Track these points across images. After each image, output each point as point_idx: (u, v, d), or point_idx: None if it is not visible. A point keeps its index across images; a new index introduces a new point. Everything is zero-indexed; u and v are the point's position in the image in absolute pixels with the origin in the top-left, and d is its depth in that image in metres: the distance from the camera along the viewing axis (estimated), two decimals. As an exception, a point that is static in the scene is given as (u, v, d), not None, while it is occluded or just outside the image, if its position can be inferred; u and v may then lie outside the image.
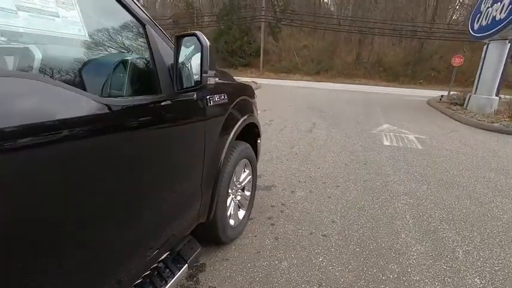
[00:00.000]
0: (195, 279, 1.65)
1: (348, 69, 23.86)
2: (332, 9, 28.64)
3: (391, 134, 5.50)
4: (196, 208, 1.42)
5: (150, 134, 1.06)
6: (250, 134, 2.20)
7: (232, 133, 1.67)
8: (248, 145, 2.05)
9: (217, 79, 1.63)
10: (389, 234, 2.19)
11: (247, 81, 14.60)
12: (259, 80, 16.83)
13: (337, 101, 10.33)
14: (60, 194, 0.74)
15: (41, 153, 0.68)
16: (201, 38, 1.14)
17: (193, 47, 1.18)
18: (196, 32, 1.15)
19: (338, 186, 3.01)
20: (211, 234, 1.76)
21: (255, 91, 9.74)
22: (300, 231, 2.17)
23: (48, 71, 0.89)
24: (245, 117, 1.89)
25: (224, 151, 1.59)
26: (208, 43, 1.15)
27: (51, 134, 0.69)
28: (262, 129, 5.20)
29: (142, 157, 1.03)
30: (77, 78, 0.92)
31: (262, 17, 24.36)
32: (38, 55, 0.82)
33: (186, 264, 1.30)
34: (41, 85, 0.71)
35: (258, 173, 3.19)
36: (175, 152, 1.20)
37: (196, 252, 1.39)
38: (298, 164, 3.60)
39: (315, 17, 25.02)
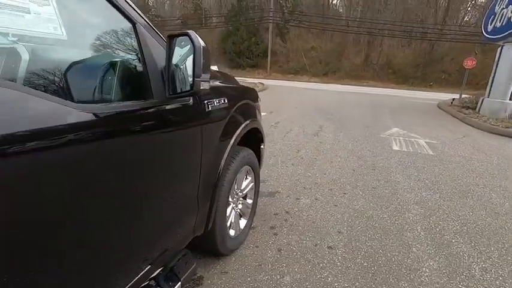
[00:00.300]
0: (191, 294, 1.56)
1: (356, 70, 23.60)
2: (341, 10, 28.40)
3: (401, 138, 5.33)
4: (192, 221, 1.33)
5: (140, 143, 0.97)
6: (253, 139, 2.10)
7: (233, 139, 1.57)
8: (250, 151, 1.95)
9: (217, 82, 1.54)
10: (400, 247, 2.06)
11: (254, 82, 14.53)
12: (266, 81, 16.74)
13: (345, 103, 10.16)
14: (33, 210, 0.66)
15: (16, 166, 0.61)
16: (194, 38, 1.02)
17: (188, 47, 1.08)
18: (188, 31, 1.04)
19: (345, 193, 2.88)
20: (209, 246, 1.67)
21: (262, 92, 9.69)
22: (304, 242, 2.06)
23: (16, 75, 0.80)
24: (247, 122, 1.79)
25: (224, 159, 1.49)
26: (201, 44, 1.03)
27: (26, 146, 0.62)
28: (267, 131, 5.13)
29: (131, 168, 0.94)
30: (54, 83, 0.83)
31: (270, 18, 24.28)
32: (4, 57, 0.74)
33: (180, 282, 1.20)
34: (8, 92, 0.62)
35: (261, 178, 3.09)
36: (169, 162, 1.11)
37: (191, 269, 1.30)
38: (304, 169, 3.48)
39: (323, 18, 24.83)
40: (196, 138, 1.23)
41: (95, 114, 0.81)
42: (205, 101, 1.29)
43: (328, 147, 4.47)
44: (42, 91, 0.76)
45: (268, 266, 1.81)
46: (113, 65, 0.99)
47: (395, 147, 4.68)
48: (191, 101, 1.20)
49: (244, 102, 1.82)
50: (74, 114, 0.75)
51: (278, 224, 2.27)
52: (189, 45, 1.06)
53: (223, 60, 25.74)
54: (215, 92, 1.41)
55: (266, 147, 4.25)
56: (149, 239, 1.08)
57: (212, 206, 1.47)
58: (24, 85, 0.74)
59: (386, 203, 2.73)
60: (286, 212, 2.46)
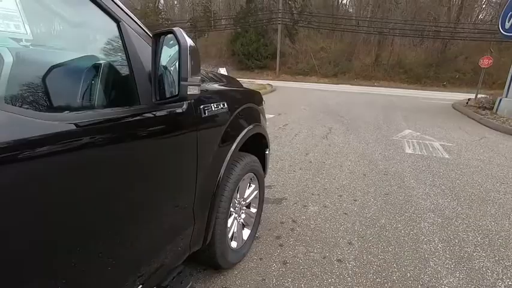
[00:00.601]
0: (189, 312, 1.45)
1: (367, 71, 23.23)
2: (351, 10, 28.05)
3: (414, 140, 5.13)
4: (187, 236, 1.22)
5: (126, 154, 0.88)
6: (257, 145, 1.99)
7: (234, 146, 1.46)
8: (254, 157, 1.83)
9: (216, 85, 1.43)
10: (416, 261, 1.90)
11: (262, 84, 14.43)
12: (275, 83, 16.62)
13: (355, 104, 9.94)
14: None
15: None
16: (180, 36, 0.90)
17: (171, 47, 0.97)
18: (174, 28, 0.92)
19: (355, 200, 2.73)
20: (208, 260, 1.56)
21: (270, 94, 9.65)
22: (312, 254, 1.93)
23: None
24: (250, 127, 1.68)
25: (224, 167, 1.39)
26: (189, 43, 0.90)
27: None
28: (275, 134, 5.03)
29: (116, 182, 0.85)
30: (25, 91, 0.74)
31: (279, 19, 24.17)
32: None
33: (173, 305, 1.10)
34: None
35: (268, 184, 2.98)
36: (160, 174, 1.01)
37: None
38: (312, 174, 3.34)
39: (333, 18, 24.56)
40: (191, 147, 1.13)
41: (75, 124, 0.72)
42: (201, 106, 1.18)
43: (338, 151, 4.31)
44: (11, 102, 0.67)
45: (273, 280, 1.69)
46: (94, 68, 0.89)
47: (409, 151, 4.49)
48: (184, 106, 1.09)
49: (247, 106, 1.71)
50: (51, 125, 0.67)
51: (284, 234, 2.14)
52: (171, 45, 0.94)
53: (232, 62, 25.77)
54: (213, 96, 1.31)
55: (273, 151, 4.14)
56: (138, 258, 0.98)
57: (210, 218, 1.36)
58: None
59: (400, 211, 2.57)
60: (293, 221, 2.33)
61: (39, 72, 0.78)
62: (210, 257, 1.53)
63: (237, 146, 1.48)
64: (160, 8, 32.21)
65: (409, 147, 4.66)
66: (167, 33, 0.92)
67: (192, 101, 1.13)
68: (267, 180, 3.08)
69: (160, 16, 30.60)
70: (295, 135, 5.11)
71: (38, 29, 0.78)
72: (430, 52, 22.93)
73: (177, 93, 0.91)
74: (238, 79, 2.31)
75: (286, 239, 2.09)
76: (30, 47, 0.85)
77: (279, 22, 24.06)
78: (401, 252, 1.99)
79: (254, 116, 1.79)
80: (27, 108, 0.71)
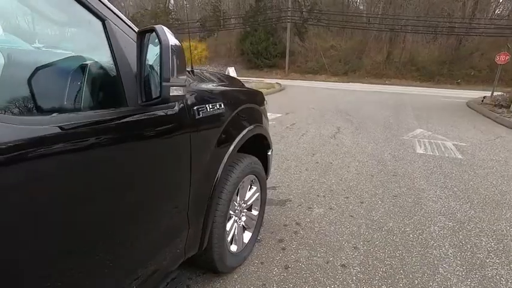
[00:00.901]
0: (186, 317, 1.42)
1: (378, 69, 22.80)
2: (361, 7, 27.59)
3: (425, 140, 4.97)
4: (182, 241, 1.19)
5: (113, 158, 0.85)
6: (259, 146, 1.94)
7: (231, 147, 1.42)
8: (255, 159, 1.79)
9: (211, 85, 1.39)
10: (424, 267, 1.82)
11: (271, 83, 14.35)
12: (284, 82, 16.51)
13: (365, 103, 9.76)
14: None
15: None
16: (161, 34, 0.84)
17: (154, 46, 0.91)
18: (156, 26, 0.86)
19: (362, 202, 2.65)
20: (206, 265, 1.53)
21: (278, 93, 9.57)
22: (315, 258, 1.88)
23: None
24: (250, 127, 1.63)
25: (220, 170, 1.35)
26: (172, 41, 0.85)
27: None
28: (282, 133, 4.97)
29: (104, 187, 0.82)
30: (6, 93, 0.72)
31: (288, 17, 23.99)
32: None
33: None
34: None
35: (272, 185, 2.93)
36: (149, 179, 0.97)
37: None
38: (318, 175, 3.27)
39: (343, 16, 24.22)
40: (183, 150, 1.09)
41: (60, 127, 0.70)
42: (195, 108, 1.14)
43: (346, 151, 4.22)
44: None
45: (273, 286, 1.64)
46: (79, 69, 0.86)
47: (420, 151, 4.35)
48: (176, 108, 1.05)
49: (247, 106, 1.67)
50: (35, 129, 0.65)
51: (287, 237, 2.09)
52: (154, 43, 0.89)
53: (242, 61, 25.73)
54: (208, 96, 1.27)
55: (279, 151, 4.08)
56: (130, 262, 0.95)
57: (207, 222, 1.32)
58: None
59: (409, 213, 2.48)
60: (297, 224, 2.27)
61: (23, 74, 0.76)
62: (208, 262, 1.50)
63: (235, 147, 1.44)
64: (171, 8, 32.46)
65: (420, 147, 4.53)
66: (149, 31, 0.88)
67: (186, 102, 1.09)
68: (272, 181, 3.03)
69: (170, 16, 30.83)
70: (302, 135, 5.04)
71: (19, 28, 0.76)
72: (443, 49, 22.31)
73: (159, 94, 0.86)
74: (247, 78, 2.28)
75: (289, 242, 2.04)
76: (13, 48, 0.83)
77: (289, 20, 23.87)
78: (409, 258, 1.91)
79: (254, 116, 1.75)
80: (10, 112, 0.69)
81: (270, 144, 2.04)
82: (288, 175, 3.24)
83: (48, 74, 0.81)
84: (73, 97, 0.82)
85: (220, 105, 1.32)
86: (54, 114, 0.74)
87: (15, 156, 0.61)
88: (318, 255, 1.91)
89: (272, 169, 3.32)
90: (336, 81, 20.22)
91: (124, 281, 0.94)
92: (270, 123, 5.84)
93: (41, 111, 0.75)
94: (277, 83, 14.76)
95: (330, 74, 22.90)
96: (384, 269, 1.80)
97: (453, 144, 4.75)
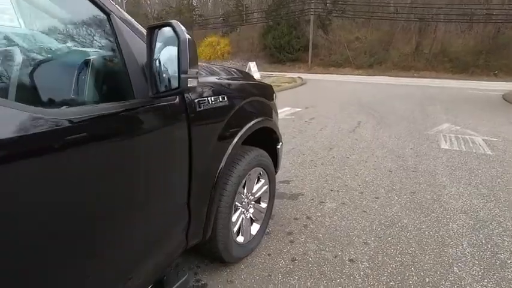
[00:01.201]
0: (192, 303, 1.48)
1: (406, 60, 21.80)
2: (389, -4, 26.35)
3: (452, 135, 4.72)
4: (184, 228, 1.23)
5: (120, 149, 0.89)
6: (268, 139, 1.95)
7: (235, 139, 1.44)
8: (263, 152, 1.80)
9: (215, 78, 1.42)
10: (437, 265, 1.76)
11: (292, 77, 14.21)
12: (306, 75, 16.27)
13: (390, 96, 9.40)
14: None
15: None
16: (178, 30, 0.91)
17: (171, 40, 0.96)
18: (172, 21, 0.93)
19: (377, 198, 2.59)
20: (211, 254, 1.57)
21: (300, 87, 9.46)
22: (323, 252, 1.87)
23: None
24: (256, 120, 1.65)
25: (223, 161, 1.37)
26: (187, 36, 0.91)
27: None
28: (300, 128, 4.95)
29: (110, 177, 0.87)
30: (19, 86, 0.78)
31: (312, 9, 23.49)
32: None
33: (166, 296, 1.12)
34: None
35: (285, 179, 2.94)
36: (150, 170, 1.01)
37: (181, 280, 1.21)
38: (334, 170, 3.22)
39: (369, 7, 23.32)
40: (184, 141, 1.12)
41: (68, 120, 0.74)
42: (196, 100, 1.17)
43: (364, 146, 4.11)
44: (4, 97, 0.71)
45: (279, 277, 1.66)
46: (85, 62, 0.92)
47: (445, 146, 4.15)
48: (177, 100, 1.09)
49: (254, 99, 1.68)
50: (44, 121, 0.68)
51: (296, 230, 2.10)
52: (173, 38, 0.94)
53: (264, 55, 25.64)
54: (211, 89, 1.30)
55: (295, 145, 4.06)
56: (131, 253, 1.00)
57: (210, 212, 1.36)
58: None
59: (427, 211, 2.38)
60: (307, 217, 2.27)
61: (33, 68, 0.82)
62: (213, 251, 1.54)
63: (239, 139, 1.46)
64: (194, 4, 32.90)
65: (446, 142, 4.31)
66: (162, 26, 0.93)
67: (188, 94, 1.13)
68: (285, 175, 3.03)
69: (193, 13, 31.29)
70: (321, 129, 4.97)
71: (30, 23, 0.82)
72: (479, 38, 20.84)
73: (178, 85, 0.92)
74: (268, 73, 2.29)
75: (297, 235, 2.04)
76: (27, 44, 0.90)
77: (312, 13, 23.38)
78: (422, 255, 1.84)
79: (261, 109, 1.76)
80: (27, 104, 0.75)
81: (279, 138, 2.04)
82: (302, 169, 3.23)
83: (60, 69, 0.88)
84: (86, 90, 0.88)
85: (223, 98, 1.34)
86: (71, 107, 0.80)
87: (38, 146, 0.66)
88: (327, 249, 1.90)
89: (287, 163, 3.33)
90: (361, 75, 19.60)
91: (126, 266, 1.00)
92: (289, 117, 5.85)
93: (60, 103, 0.81)
94: (298, 77, 14.58)
95: (355, 67, 22.23)
96: (393, 266, 1.75)
97: (483, 140, 4.47)
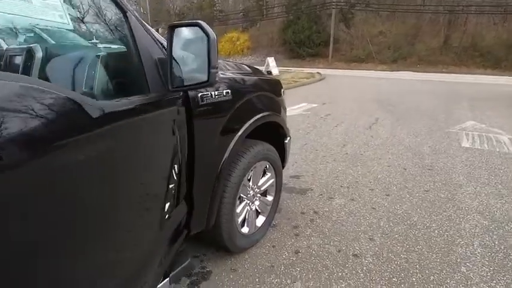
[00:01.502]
0: (196, 287, 1.55)
1: (433, 55, 20.84)
2: (416, -13, 25.21)
3: (475, 133, 4.52)
4: (184, 217, 1.30)
5: (137, 139, 0.96)
6: (275, 134, 1.99)
7: (239, 133, 1.49)
8: (269, 146, 1.84)
9: (221, 73, 1.47)
10: (444, 264, 1.73)
11: (311, 72, 14.02)
12: (326, 71, 16.00)
13: (413, 92, 9.07)
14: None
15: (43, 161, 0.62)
16: (207, 29, 1.01)
17: (192, 38, 1.06)
18: (199, 21, 1.03)
19: (388, 195, 2.56)
20: (216, 242, 1.64)
21: (318, 83, 9.36)
22: (327, 246, 1.89)
23: (33, 72, 0.87)
24: (262, 114, 1.68)
25: (227, 153, 1.43)
26: (214, 34, 1.02)
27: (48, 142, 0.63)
28: (314, 124, 4.93)
29: (127, 165, 0.93)
30: (68, 77, 0.88)
31: (334, 3, 22.97)
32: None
33: (168, 278, 1.19)
34: (35, 88, 0.63)
35: (296, 174, 2.96)
36: (156, 160, 1.08)
37: (182, 266, 1.28)
38: (346, 166, 3.20)
39: (394, -1, 22.46)
40: (188, 133, 1.19)
41: (101, 110, 0.78)
42: (199, 95, 1.23)
43: (380, 143, 4.03)
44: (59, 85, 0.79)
45: (281, 268, 1.70)
46: (109, 57, 1.01)
47: (466, 144, 3.99)
48: (181, 94, 1.15)
49: (260, 94, 1.72)
50: (98, 110, 0.75)
51: (302, 224, 2.13)
52: (199, 36, 1.04)
53: (284, 50, 25.43)
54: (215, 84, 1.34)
55: (308, 141, 4.05)
56: (138, 239, 1.06)
57: (213, 202, 1.42)
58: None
59: (439, 209, 2.33)
60: (314, 212, 2.29)
61: (76, 61, 0.92)
62: (217, 240, 1.61)
63: (243, 133, 1.51)
64: (215, 0, 33.11)
65: (467, 141, 4.14)
66: (189, 25, 1.03)
67: (187, 90, 1.18)
68: (296, 170, 3.06)
69: (214, 8, 31.50)
70: (336, 126, 4.91)
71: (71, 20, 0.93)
72: (515, 30, 19.54)
73: (207, 79, 1.04)
74: (286, 68, 2.32)
75: (303, 229, 2.07)
76: (70, 36, 1.00)
77: (334, 7, 22.86)
78: (429, 254, 1.82)
79: (268, 104, 1.79)
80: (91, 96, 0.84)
81: (286, 133, 2.07)
82: (313, 165, 3.23)
83: (97, 65, 0.97)
84: (115, 83, 0.98)
85: (227, 93, 1.39)
86: (104, 100, 0.89)
87: (96, 132, 0.75)
88: (331, 243, 1.92)
89: (298, 158, 3.35)
90: (384, 70, 19.01)
91: (140, 248, 1.05)
92: (304, 113, 5.84)
93: (105, 96, 0.91)
94: (317, 72, 14.37)
95: (377, 62, 21.56)
96: (398, 262, 1.75)
97: (509, 139, 4.25)
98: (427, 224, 2.13)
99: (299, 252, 1.84)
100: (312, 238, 1.97)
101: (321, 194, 2.57)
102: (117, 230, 0.90)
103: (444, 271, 1.68)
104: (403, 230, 2.06)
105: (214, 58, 1.02)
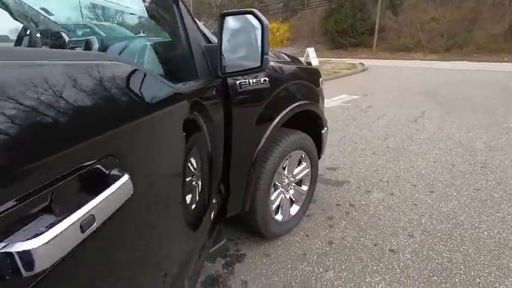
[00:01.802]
0: (230, 268, 1.63)
1: (495, 42, 18.70)
2: (477, -33, 22.66)
3: (542, 129, 4.02)
4: (221, 200, 1.36)
5: (196, 121, 1.04)
6: (312, 124, 1.97)
7: (275, 121, 1.50)
8: (305, 135, 1.84)
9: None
10: (493, 267, 1.60)
11: (353, 63, 13.44)
12: (369, 61, 15.24)
13: (467, 83, 8.27)
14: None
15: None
16: (260, 16, 1.07)
17: (244, 26, 1.10)
18: (253, 9, 1.08)
19: (432, 192, 2.41)
20: (251, 227, 1.69)
21: (360, 74, 9.01)
22: (362, 239, 1.85)
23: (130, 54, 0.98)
24: (299, 103, 1.68)
25: (263, 141, 1.45)
26: (267, 22, 1.07)
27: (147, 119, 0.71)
28: (354, 116, 4.79)
29: (192, 142, 1.01)
30: (156, 65, 0.99)
31: (380, -12, 21.57)
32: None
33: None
34: (138, 71, 0.72)
35: (332, 165, 2.91)
36: (210, 140, 1.14)
37: (218, 246, 1.34)
38: (386, 160, 3.07)
39: (450, -19, 20.45)
40: (225, 120, 1.23)
41: (185, 93, 0.92)
42: (237, 82, 1.27)
43: (426, 137, 3.78)
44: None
45: (313, 257, 1.71)
46: (161, 46, 1.10)
47: (528, 141, 3.57)
48: (221, 81, 1.20)
49: (297, 82, 1.71)
50: (180, 94, 0.88)
51: (337, 216, 2.10)
52: (244, 23, 1.09)
53: (325, 40, 24.65)
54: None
55: (347, 133, 3.94)
56: (194, 212, 1.10)
57: (248, 187, 1.46)
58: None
59: (491, 210, 2.15)
60: (350, 205, 2.24)
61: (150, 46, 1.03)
62: (252, 224, 1.66)
63: (279, 121, 1.52)
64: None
65: (531, 137, 3.70)
66: (242, 13, 1.08)
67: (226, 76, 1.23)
68: (333, 162, 3.00)
69: (255, -1, 31.37)
70: (378, 118, 4.69)
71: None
72: None
73: (260, 64, 1.09)
74: (326, 59, 2.31)
75: (338, 220, 2.05)
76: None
77: (380, -8, 21.51)
78: (476, 255, 1.70)
79: (305, 93, 1.77)
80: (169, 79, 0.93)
81: (323, 123, 2.04)
82: (351, 158, 3.14)
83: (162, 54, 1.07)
84: (178, 69, 1.08)
85: (265, 81, 1.41)
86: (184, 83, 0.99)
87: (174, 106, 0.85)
88: (367, 237, 1.88)
89: (336, 150, 3.29)
90: (435, 60, 17.55)
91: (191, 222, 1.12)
92: (344, 105, 5.66)
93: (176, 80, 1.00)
94: (360, 63, 13.74)
95: (428, 51, 19.96)
96: (439, 261, 1.66)
97: None
98: (476, 225, 1.98)
99: (333, 243, 1.83)
100: (347, 230, 1.94)
101: (358, 187, 2.51)
102: (184, 198, 0.98)
103: (493, 274, 1.56)
104: (447, 228, 1.94)
105: (267, 44, 1.06)
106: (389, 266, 1.63)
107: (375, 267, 1.62)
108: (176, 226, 0.93)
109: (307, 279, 1.55)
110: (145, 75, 0.72)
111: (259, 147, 1.45)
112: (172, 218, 0.90)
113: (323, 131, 2.06)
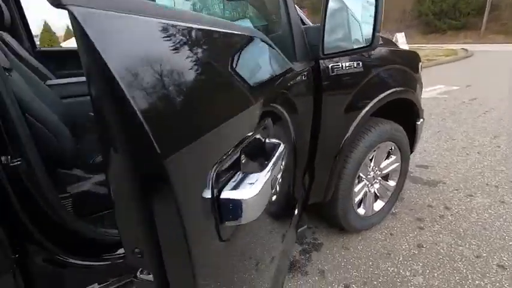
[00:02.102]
0: (307, 255, 1.62)
1: None
2: None
3: None
4: (306, 186, 1.34)
5: (301, 99, 1.10)
6: (407, 114, 1.78)
7: (366, 108, 1.40)
8: (397, 126, 1.67)
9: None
10: None
11: (453, 49, 11.60)
12: (475, 47, 12.95)
13: None
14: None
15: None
16: None
17: (352, 4, 1.10)
18: None
19: (562, 204, 1.94)
20: (331, 217, 1.64)
21: (462, 61, 7.88)
22: (461, 248, 1.61)
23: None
24: (393, 90, 1.52)
25: (351, 129, 1.37)
26: None
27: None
28: (453, 109, 4.22)
29: (300, 120, 1.09)
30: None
31: (497, -42, 17.94)
32: None
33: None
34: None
35: (425, 163, 2.63)
36: (302, 125, 1.16)
37: (300, 229, 1.34)
38: (496, 161, 2.59)
39: None
40: (315, 103, 1.20)
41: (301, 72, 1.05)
42: (330, 65, 1.22)
43: (555, 137, 3.04)
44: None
45: (399, 258, 1.57)
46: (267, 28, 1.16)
47: None
48: (313, 63, 1.17)
49: (393, 67, 1.56)
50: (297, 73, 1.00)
51: (428, 218, 1.88)
52: (354, 2, 1.10)
53: (418, 24, 21.97)
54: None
55: (444, 128, 3.46)
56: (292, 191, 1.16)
57: (332, 176, 1.41)
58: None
59: None
60: (446, 208, 1.97)
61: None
62: (332, 215, 1.61)
63: (370, 109, 1.41)
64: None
65: None
66: None
67: (319, 59, 1.19)
68: (424, 159, 2.69)
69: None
70: (484, 113, 3.98)
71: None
72: None
73: (370, 43, 1.08)
74: (418, 45, 2.09)
75: (429, 223, 1.83)
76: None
77: (496, -38, 17.85)
78: None
79: (401, 79, 1.60)
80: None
81: (420, 113, 1.82)
82: (448, 156, 2.75)
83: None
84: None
85: (358, 64, 1.32)
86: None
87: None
88: (467, 246, 1.63)
89: (429, 147, 2.95)
90: None
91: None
92: (440, 96, 5.01)
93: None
94: (462, 48, 11.79)
95: (561, 31, 15.89)
96: None
97: None
98: None
99: (423, 246, 1.64)
100: (441, 235, 1.72)
101: (457, 190, 2.18)
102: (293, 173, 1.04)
103: None
104: None
105: (379, 21, 1.03)
106: (497, 284, 1.38)
107: (477, 282, 1.40)
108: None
109: (392, 281, 1.43)
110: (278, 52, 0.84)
111: (347, 135, 1.37)
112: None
113: (418, 123, 1.85)
